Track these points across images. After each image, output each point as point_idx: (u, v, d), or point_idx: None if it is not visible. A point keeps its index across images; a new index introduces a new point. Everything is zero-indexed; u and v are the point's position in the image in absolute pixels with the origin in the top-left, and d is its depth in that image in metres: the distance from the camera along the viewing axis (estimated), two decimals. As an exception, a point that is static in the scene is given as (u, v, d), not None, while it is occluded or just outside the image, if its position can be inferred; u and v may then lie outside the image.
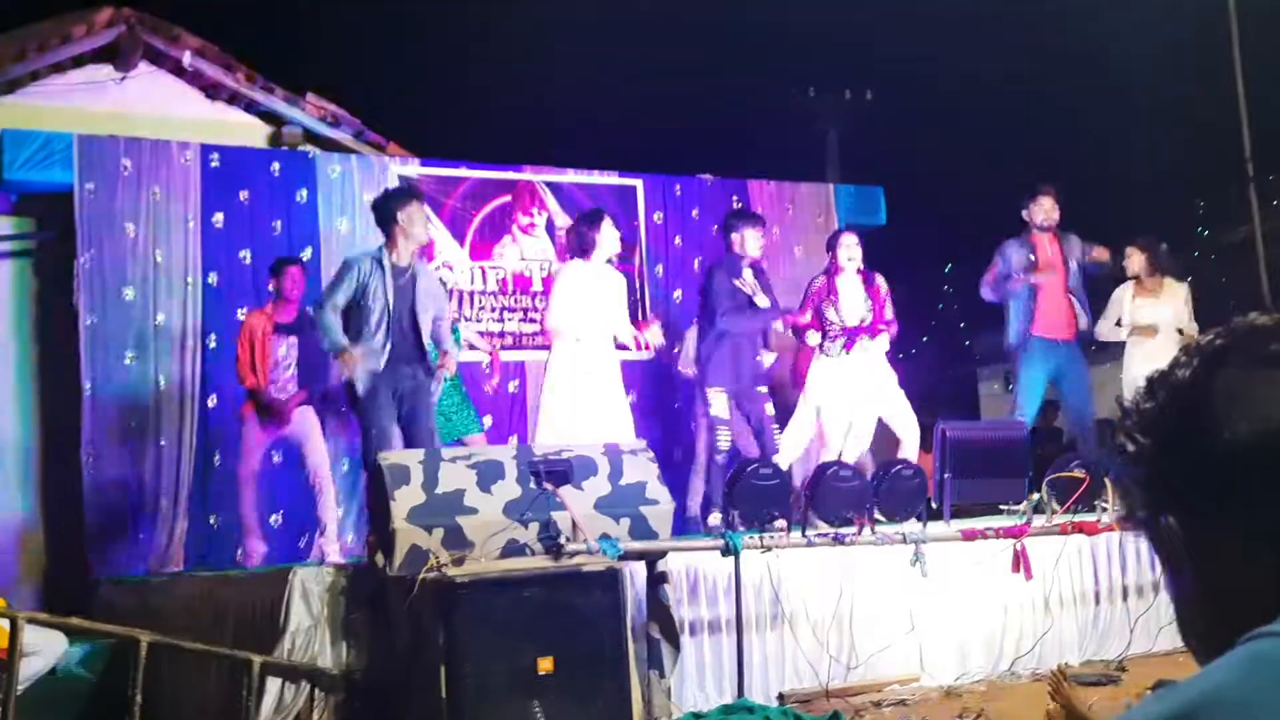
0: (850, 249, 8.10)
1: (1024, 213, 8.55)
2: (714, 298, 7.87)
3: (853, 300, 7.99)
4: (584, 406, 7.20)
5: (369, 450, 6.68)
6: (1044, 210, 8.50)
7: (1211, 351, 1.02)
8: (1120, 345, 8.69)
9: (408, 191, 7.35)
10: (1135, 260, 8.58)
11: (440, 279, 7.79)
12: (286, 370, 7.80)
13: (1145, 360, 8.36)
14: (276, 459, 8.61)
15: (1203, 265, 12.63)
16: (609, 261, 7.69)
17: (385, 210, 6.94)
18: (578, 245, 7.63)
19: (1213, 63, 12.23)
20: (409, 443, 6.73)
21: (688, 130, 11.68)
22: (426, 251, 9.42)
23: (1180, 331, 8.40)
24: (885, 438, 8.20)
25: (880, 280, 8.16)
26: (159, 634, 5.58)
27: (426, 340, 6.91)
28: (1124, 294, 8.57)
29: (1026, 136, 11.66)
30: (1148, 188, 11.97)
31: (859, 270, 8.10)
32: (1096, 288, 8.67)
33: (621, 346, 7.77)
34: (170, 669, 5.73)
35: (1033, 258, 8.39)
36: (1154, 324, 8.40)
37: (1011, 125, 11.80)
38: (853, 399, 7.92)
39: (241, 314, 8.54)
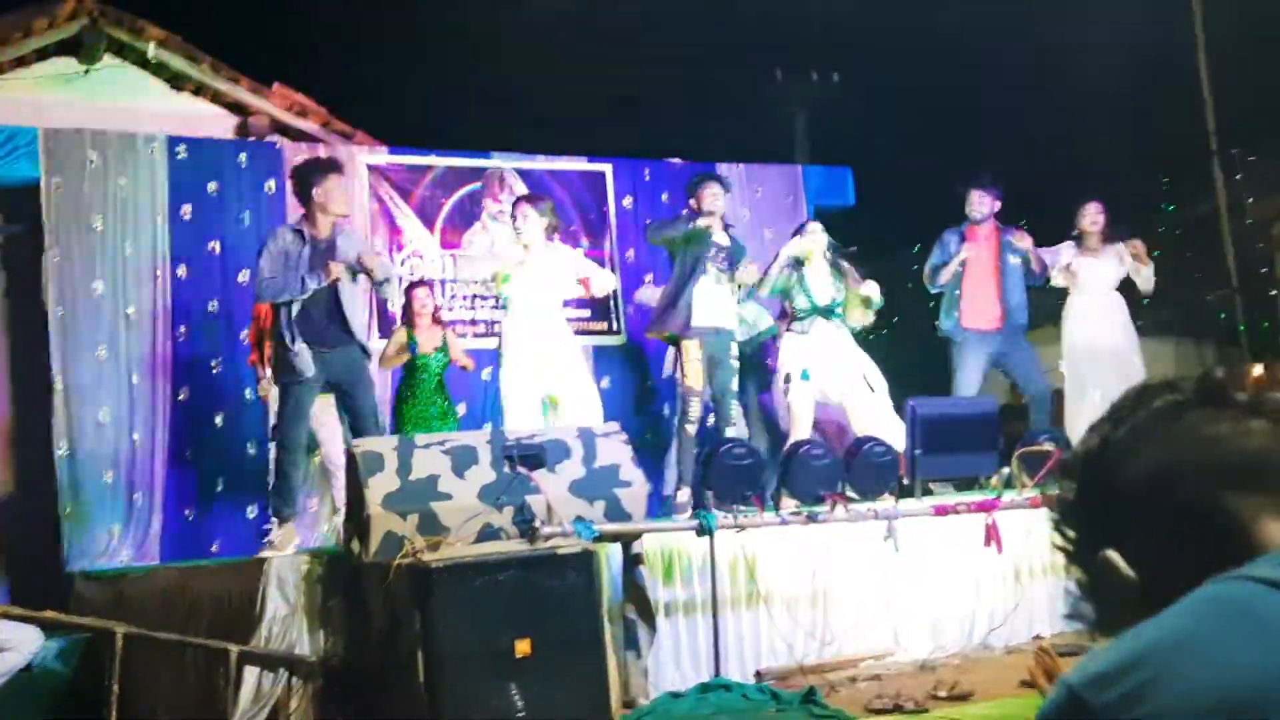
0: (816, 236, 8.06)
1: (966, 206, 8.65)
2: None
3: (822, 283, 7.98)
4: (543, 381, 7.18)
5: (284, 434, 6.78)
6: (975, 203, 8.60)
7: (1111, 417, 1.20)
8: (1055, 305, 8.78)
9: (327, 164, 7.23)
10: (1090, 218, 8.63)
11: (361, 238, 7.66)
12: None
13: (1080, 321, 8.48)
14: (251, 451, 8.62)
15: (1167, 240, 12.70)
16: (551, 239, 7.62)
17: (302, 182, 6.88)
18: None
19: (1177, 39, 12.31)
20: (353, 423, 6.75)
21: (656, 114, 11.69)
22: (396, 240, 9.44)
23: (1118, 290, 8.54)
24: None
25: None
26: (136, 626, 5.59)
27: (358, 317, 6.86)
28: (1067, 249, 8.65)
29: (993, 115, 11.72)
30: (1112, 163, 12.04)
31: (825, 255, 8.07)
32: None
33: (581, 304, 7.78)
34: (147, 660, 5.73)
35: (961, 249, 8.49)
36: (1087, 282, 8.51)
37: (978, 105, 11.86)
38: (823, 374, 7.90)
39: (213, 307, 8.55)
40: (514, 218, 7.48)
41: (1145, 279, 8.57)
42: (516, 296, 7.33)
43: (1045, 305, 9.12)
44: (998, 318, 8.45)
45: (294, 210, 9.07)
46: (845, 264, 8.02)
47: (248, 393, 8.71)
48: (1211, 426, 1.14)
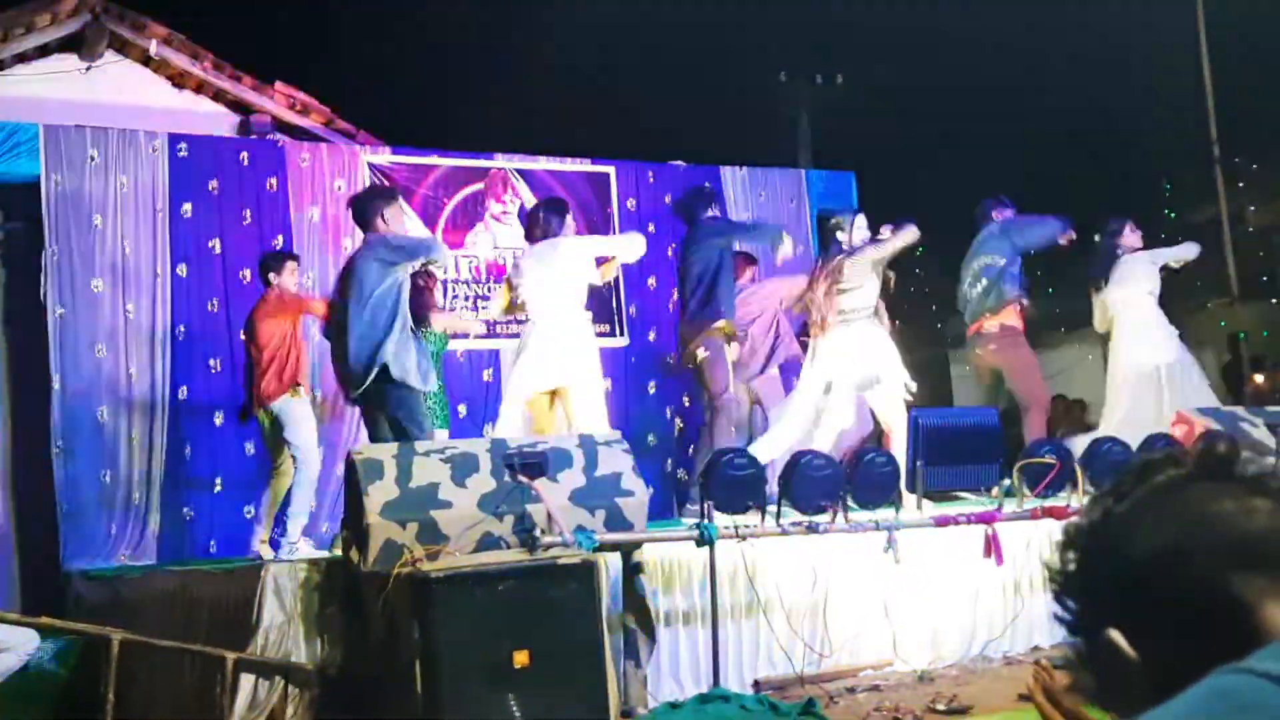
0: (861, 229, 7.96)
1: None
2: None
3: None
4: (553, 381, 7.13)
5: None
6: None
7: (1114, 491, 1.19)
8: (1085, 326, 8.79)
9: (391, 191, 7.27)
10: (1129, 238, 8.66)
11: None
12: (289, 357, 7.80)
13: (1133, 336, 8.46)
14: (249, 450, 8.60)
15: (1169, 246, 12.68)
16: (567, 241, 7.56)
17: (368, 209, 6.82)
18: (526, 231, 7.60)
19: (1181, 46, 12.29)
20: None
21: (660, 116, 11.65)
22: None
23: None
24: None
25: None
26: (132, 629, 5.56)
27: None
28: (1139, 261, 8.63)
29: (996, 120, 11.69)
30: (1115, 169, 12.02)
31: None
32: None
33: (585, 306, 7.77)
34: (143, 665, 5.70)
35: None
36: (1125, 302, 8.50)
37: (981, 110, 11.83)
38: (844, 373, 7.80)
39: (213, 305, 8.54)
40: (535, 218, 7.40)
41: (1177, 254, 8.56)
42: (533, 299, 7.24)
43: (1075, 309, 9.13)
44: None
45: (297, 210, 9.10)
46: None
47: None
48: (1215, 504, 1.12)
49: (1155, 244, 9.13)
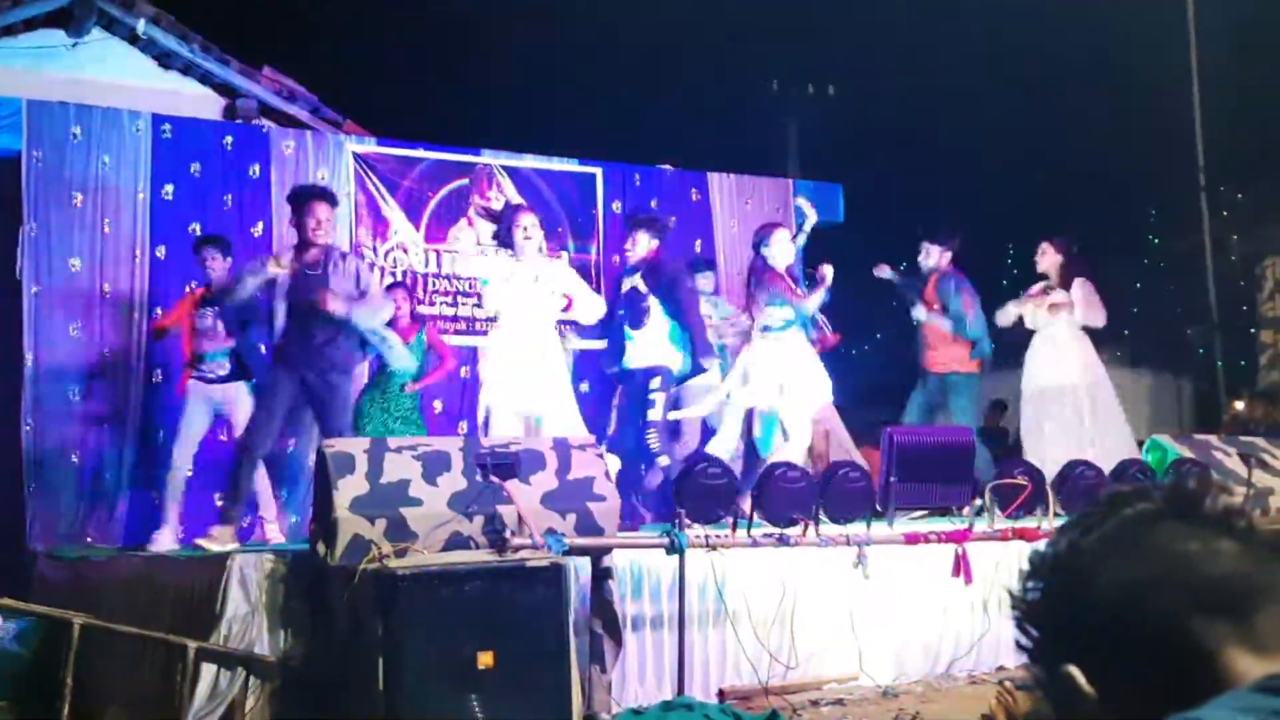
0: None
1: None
2: None
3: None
4: (525, 397, 7.13)
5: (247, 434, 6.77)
6: (928, 257, 8.79)
7: (1081, 523, 1.18)
8: (1020, 348, 8.84)
9: (321, 192, 7.22)
10: (1048, 259, 8.69)
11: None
12: (215, 344, 7.71)
13: (1047, 364, 8.49)
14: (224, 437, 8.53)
15: (1152, 272, 12.75)
16: (539, 251, 7.61)
17: (300, 205, 6.86)
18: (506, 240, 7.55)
19: (1171, 74, 12.33)
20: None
21: (649, 119, 11.64)
22: (381, 232, 9.37)
23: (1085, 330, 8.56)
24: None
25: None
26: (95, 613, 5.52)
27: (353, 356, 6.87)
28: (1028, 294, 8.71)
29: (983, 139, 11.72)
30: (1101, 194, 12.06)
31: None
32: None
33: (567, 323, 7.81)
34: (105, 650, 5.65)
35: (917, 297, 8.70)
36: (1055, 321, 8.52)
37: (969, 128, 11.85)
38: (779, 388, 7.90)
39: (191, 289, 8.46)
40: (510, 228, 7.39)
41: (1093, 320, 8.60)
42: (506, 309, 7.29)
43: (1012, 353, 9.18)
44: (950, 363, 8.60)
45: (278, 193, 9.04)
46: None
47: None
48: (1180, 544, 1.11)
49: (1138, 268, 9.16)
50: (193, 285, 7.99)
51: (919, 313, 8.69)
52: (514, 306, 7.24)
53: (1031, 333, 8.76)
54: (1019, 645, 1.19)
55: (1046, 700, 1.15)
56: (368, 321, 6.83)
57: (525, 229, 7.30)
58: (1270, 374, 12.57)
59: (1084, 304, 8.52)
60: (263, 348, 7.44)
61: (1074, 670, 1.11)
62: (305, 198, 6.90)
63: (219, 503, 8.20)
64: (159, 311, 8.58)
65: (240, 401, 7.65)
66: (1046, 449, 8.20)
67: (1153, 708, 1.02)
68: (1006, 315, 8.67)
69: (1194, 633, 1.07)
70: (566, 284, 7.57)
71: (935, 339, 8.66)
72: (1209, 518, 1.13)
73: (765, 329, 7.78)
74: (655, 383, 7.83)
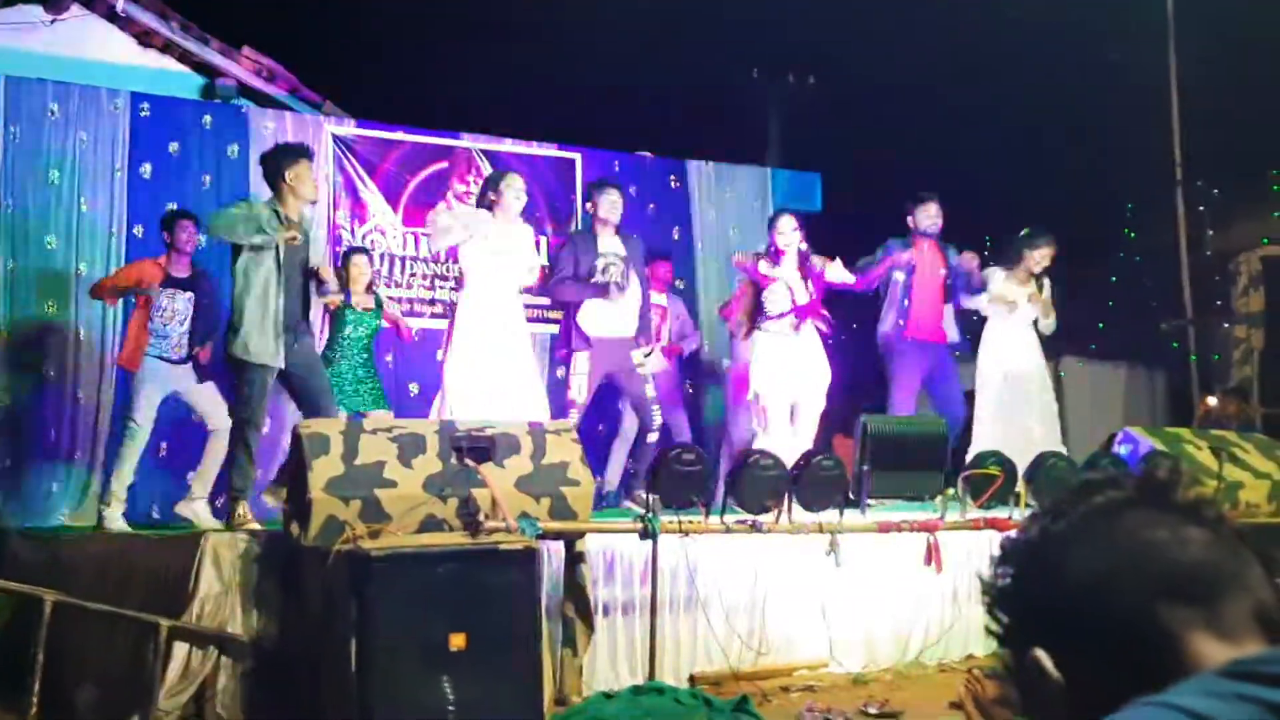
0: (786, 234, 8.16)
1: (909, 218, 8.70)
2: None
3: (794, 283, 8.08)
4: (490, 378, 7.09)
5: (242, 411, 6.64)
6: (929, 216, 8.66)
7: (1052, 510, 1.19)
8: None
9: (298, 149, 7.05)
10: (1044, 253, 8.70)
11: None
12: (181, 325, 7.46)
13: (1002, 348, 8.52)
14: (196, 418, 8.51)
15: (1126, 266, 12.83)
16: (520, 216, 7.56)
17: (273, 166, 6.70)
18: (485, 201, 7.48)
19: (1150, 66, 12.39)
20: (307, 413, 6.63)
21: (629, 106, 11.62)
22: (359, 214, 9.36)
23: (1035, 324, 8.60)
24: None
25: (818, 263, 8.19)
26: (67, 591, 5.51)
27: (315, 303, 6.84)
28: (995, 273, 8.69)
29: (962, 132, 11.76)
30: (1077, 186, 12.10)
31: (799, 252, 8.17)
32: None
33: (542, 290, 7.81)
34: (76, 628, 5.65)
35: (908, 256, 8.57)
36: (1015, 302, 8.53)
37: (949, 120, 11.89)
38: (795, 379, 7.98)
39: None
40: (493, 190, 7.36)
41: (1047, 326, 8.64)
42: (475, 269, 7.23)
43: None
44: (939, 330, 8.56)
45: (256, 175, 8.99)
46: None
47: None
48: (1149, 531, 1.13)
49: (1113, 261, 9.19)
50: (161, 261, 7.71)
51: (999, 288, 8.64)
52: (485, 270, 7.21)
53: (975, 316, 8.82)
54: (989, 631, 1.20)
55: (1014, 685, 1.16)
56: None
57: (517, 190, 7.30)
58: (1243, 369, 12.67)
59: (1045, 307, 8.58)
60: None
61: (1041, 655, 1.12)
62: (294, 156, 6.79)
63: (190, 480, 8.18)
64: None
65: (199, 385, 7.49)
66: (997, 435, 8.21)
67: (1119, 692, 1.03)
68: (995, 279, 8.63)
69: (1161, 619, 1.08)
70: (535, 256, 7.61)
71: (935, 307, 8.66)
72: (1179, 506, 1.15)
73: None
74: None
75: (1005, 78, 11.65)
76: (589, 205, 7.89)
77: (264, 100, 9.95)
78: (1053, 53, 11.61)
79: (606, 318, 7.62)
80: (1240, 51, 10.96)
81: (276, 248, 6.47)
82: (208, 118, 9.09)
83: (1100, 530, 1.14)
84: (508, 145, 9.99)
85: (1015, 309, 8.50)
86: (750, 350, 8.23)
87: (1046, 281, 8.64)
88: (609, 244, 7.72)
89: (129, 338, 7.49)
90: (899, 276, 8.55)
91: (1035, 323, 8.62)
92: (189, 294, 7.51)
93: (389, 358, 9.12)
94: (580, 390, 7.55)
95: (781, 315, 8.01)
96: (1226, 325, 12.87)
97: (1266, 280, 12.24)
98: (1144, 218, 13.19)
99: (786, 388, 7.98)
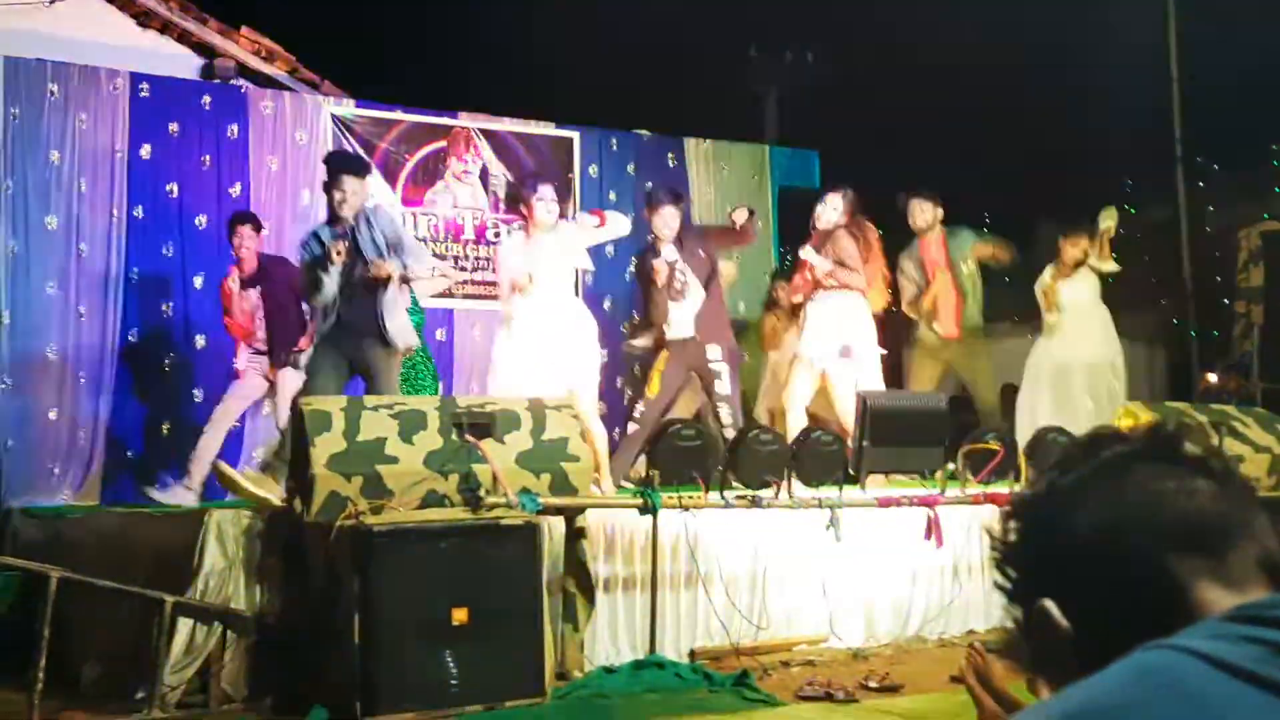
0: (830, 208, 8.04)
1: (907, 219, 8.72)
2: None
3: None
4: (542, 358, 7.00)
5: None
6: (924, 213, 8.68)
7: (1061, 464, 1.20)
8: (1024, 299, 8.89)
9: (350, 163, 7.06)
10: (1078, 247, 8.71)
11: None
12: (256, 322, 7.92)
13: (1058, 342, 8.53)
14: (198, 396, 8.55)
15: (1128, 242, 12.81)
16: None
17: (328, 174, 6.80)
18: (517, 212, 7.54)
19: (1151, 43, 12.37)
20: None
21: (627, 83, 11.61)
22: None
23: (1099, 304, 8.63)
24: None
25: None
26: (71, 569, 5.53)
27: (397, 318, 6.77)
28: (1044, 276, 8.71)
29: (960, 109, 11.75)
30: (1077, 162, 12.10)
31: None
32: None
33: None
34: (81, 605, 5.68)
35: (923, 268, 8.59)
36: (1056, 302, 8.57)
37: (948, 97, 11.88)
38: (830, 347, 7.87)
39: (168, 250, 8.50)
40: (524, 204, 7.29)
41: (1105, 266, 8.69)
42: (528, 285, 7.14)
43: (1016, 300, 9.21)
44: (957, 324, 8.56)
45: (256, 159, 9.02)
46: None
47: (199, 339, 8.68)
48: (1157, 483, 1.14)
49: (1113, 237, 9.18)
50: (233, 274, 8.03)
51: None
52: (539, 278, 7.09)
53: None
54: (997, 586, 1.22)
55: (1023, 638, 1.17)
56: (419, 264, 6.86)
57: (547, 203, 7.21)
58: (1244, 344, 12.67)
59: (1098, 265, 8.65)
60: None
61: (1050, 605, 1.13)
62: (334, 169, 6.83)
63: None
64: (135, 271, 8.56)
65: (286, 378, 7.72)
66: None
67: (1127, 641, 1.03)
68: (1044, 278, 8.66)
69: (1169, 567, 1.09)
70: (584, 236, 7.53)
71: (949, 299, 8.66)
72: (1186, 459, 1.16)
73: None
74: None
75: (1005, 53, 11.63)
76: (646, 213, 7.89)
77: (263, 80, 9.95)
78: (1053, 27, 11.60)
79: (673, 320, 7.61)
80: (1242, 27, 10.94)
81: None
82: (207, 98, 9.08)
83: (1109, 483, 1.15)
84: (506, 124, 9.99)
85: (1056, 308, 8.53)
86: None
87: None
88: (667, 251, 7.70)
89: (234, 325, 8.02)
90: (908, 283, 8.61)
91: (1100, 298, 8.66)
92: (256, 288, 7.94)
93: (440, 333, 9.28)
94: (653, 385, 7.57)
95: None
96: (1227, 301, 12.88)
97: (1266, 255, 12.23)
98: (1143, 194, 13.18)
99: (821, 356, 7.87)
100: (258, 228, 8.03)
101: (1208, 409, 8.04)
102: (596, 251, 9.89)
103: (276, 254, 8.24)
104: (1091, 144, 12.21)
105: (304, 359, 7.18)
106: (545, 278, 7.02)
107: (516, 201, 7.56)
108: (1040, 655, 1.16)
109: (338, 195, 6.62)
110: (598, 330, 7.38)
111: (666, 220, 7.65)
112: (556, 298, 7.09)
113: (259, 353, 7.93)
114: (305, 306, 7.50)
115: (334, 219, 6.68)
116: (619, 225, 7.58)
